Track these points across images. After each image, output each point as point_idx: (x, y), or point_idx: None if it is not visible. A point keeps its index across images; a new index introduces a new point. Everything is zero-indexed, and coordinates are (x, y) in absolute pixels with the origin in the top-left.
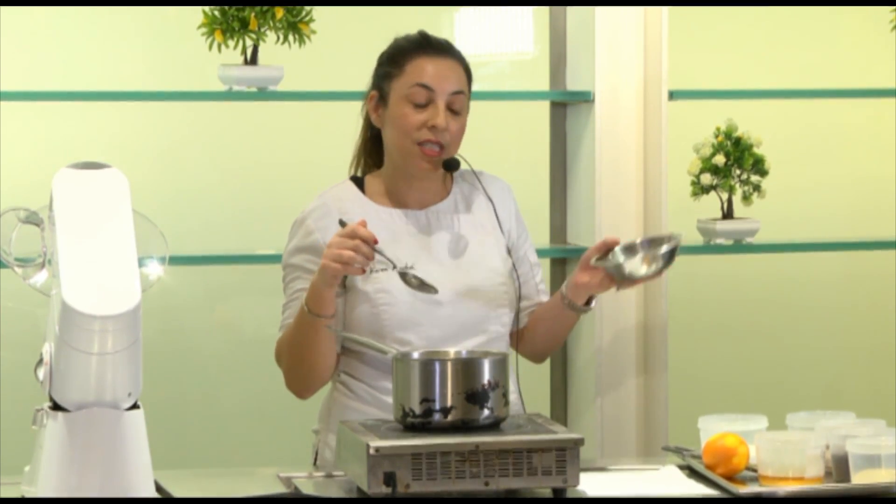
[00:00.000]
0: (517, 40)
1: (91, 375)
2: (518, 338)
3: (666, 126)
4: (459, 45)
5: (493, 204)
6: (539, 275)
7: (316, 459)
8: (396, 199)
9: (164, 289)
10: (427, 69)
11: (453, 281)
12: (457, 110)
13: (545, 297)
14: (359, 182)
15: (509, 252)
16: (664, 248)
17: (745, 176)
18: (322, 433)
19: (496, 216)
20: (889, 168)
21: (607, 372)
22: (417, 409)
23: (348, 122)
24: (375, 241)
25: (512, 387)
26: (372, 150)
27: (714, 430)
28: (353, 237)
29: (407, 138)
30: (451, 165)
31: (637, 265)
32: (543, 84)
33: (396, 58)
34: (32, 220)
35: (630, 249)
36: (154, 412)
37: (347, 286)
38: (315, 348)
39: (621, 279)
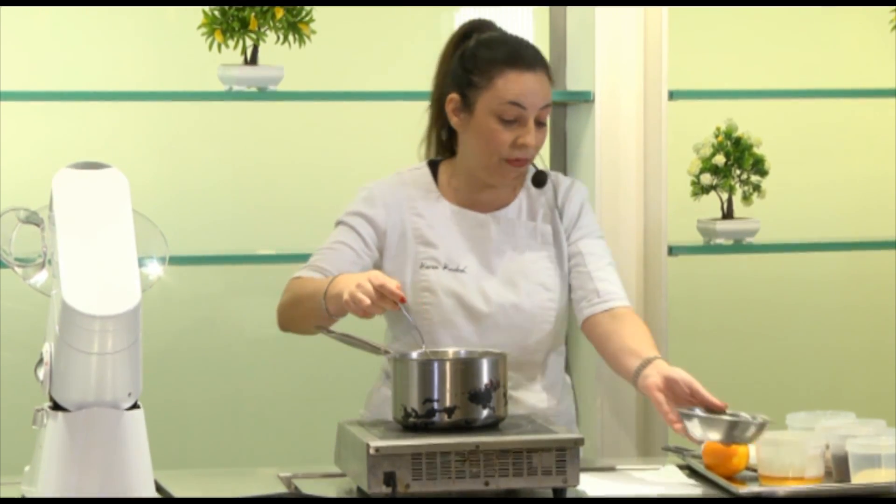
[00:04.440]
0: None
1: (91, 375)
2: (586, 330)
3: (666, 126)
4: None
5: (559, 211)
6: (595, 263)
7: None
8: (464, 196)
9: (164, 289)
10: (518, 86)
11: (501, 294)
12: (542, 122)
13: (603, 285)
14: (434, 168)
15: (567, 258)
16: (748, 433)
17: (745, 176)
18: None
19: (560, 223)
20: (889, 168)
21: (607, 372)
22: (419, 409)
23: (348, 122)
24: (403, 301)
25: (566, 380)
26: (446, 138)
27: None
28: (382, 295)
29: (494, 155)
30: (540, 182)
31: (711, 433)
32: None
33: (485, 69)
34: (32, 220)
35: (714, 422)
36: (154, 412)
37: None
38: (311, 321)
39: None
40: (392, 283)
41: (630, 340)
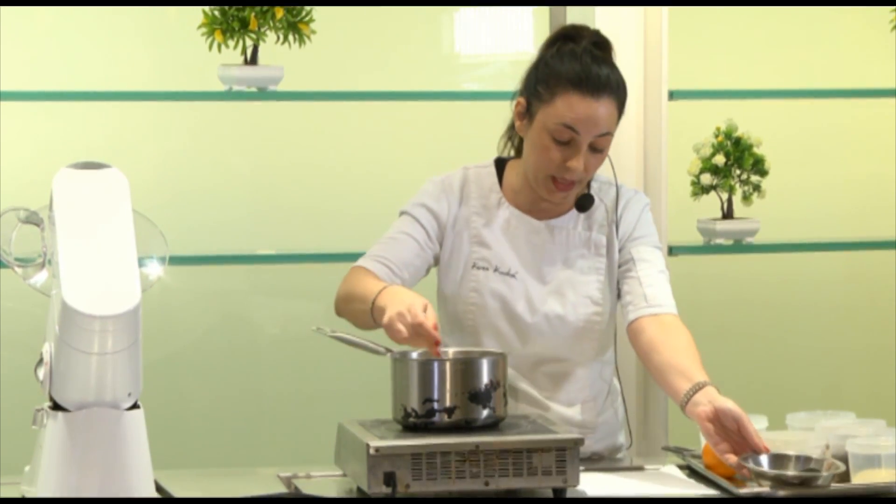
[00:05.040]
0: (517, 40)
1: (91, 375)
2: (632, 333)
3: (666, 126)
4: (459, 45)
5: (616, 222)
6: (645, 270)
7: None
8: (524, 200)
9: (164, 289)
10: (577, 110)
11: (546, 303)
12: (600, 149)
13: (651, 290)
14: (501, 166)
15: (615, 271)
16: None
17: (745, 176)
18: None
19: (615, 235)
20: (889, 168)
21: None
22: (419, 409)
23: (348, 122)
24: (438, 343)
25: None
26: (520, 138)
27: None
28: (419, 333)
29: (541, 171)
30: (584, 206)
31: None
32: None
33: (550, 82)
34: (32, 220)
35: (779, 459)
36: (154, 412)
37: (442, 273)
38: (359, 322)
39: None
40: (430, 322)
41: (679, 357)
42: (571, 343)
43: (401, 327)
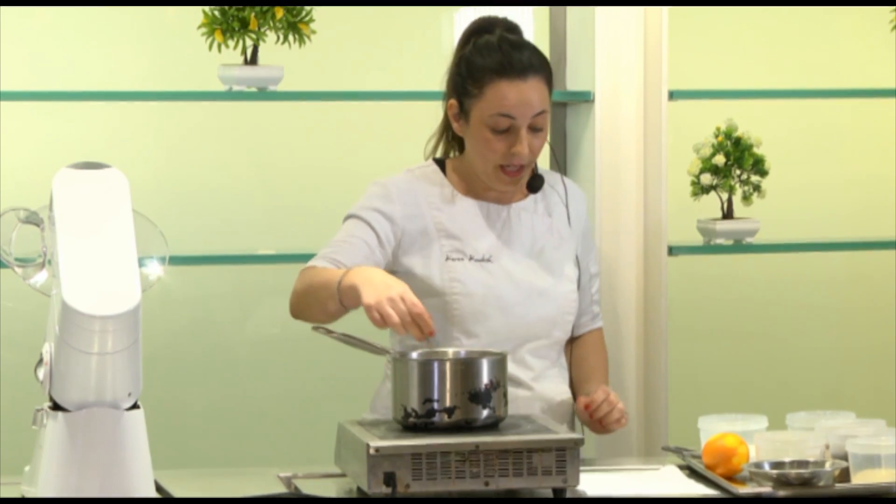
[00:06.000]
0: None
1: (91, 375)
2: (570, 353)
3: (666, 126)
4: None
5: (568, 212)
6: (596, 284)
7: None
8: (477, 191)
9: (164, 289)
10: (509, 97)
11: (528, 281)
12: (539, 128)
13: (597, 308)
14: (441, 166)
15: (578, 261)
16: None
17: (745, 176)
18: None
19: (570, 224)
20: (889, 168)
21: (608, 372)
22: (419, 409)
23: (348, 122)
24: (432, 334)
25: (566, 388)
26: (455, 136)
27: (714, 430)
28: (415, 323)
29: (488, 163)
30: (536, 188)
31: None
32: None
33: (476, 77)
34: (32, 220)
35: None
36: (154, 412)
37: (418, 274)
38: (323, 310)
39: None
40: (427, 314)
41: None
42: (554, 320)
43: (391, 311)
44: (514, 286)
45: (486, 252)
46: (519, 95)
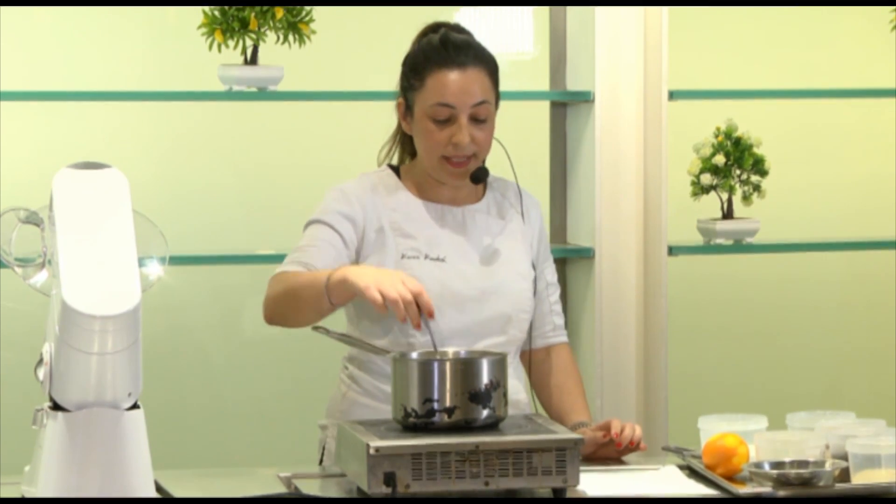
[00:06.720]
0: (517, 40)
1: (91, 375)
2: (529, 364)
3: (666, 126)
4: None
5: (522, 218)
6: (555, 294)
7: (322, 456)
8: (431, 195)
9: (164, 289)
10: (447, 85)
11: (482, 279)
12: (482, 119)
13: (558, 319)
14: (395, 172)
15: (533, 266)
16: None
17: (745, 176)
18: (329, 429)
19: (525, 223)
20: (889, 168)
21: (607, 372)
22: (419, 409)
23: (348, 122)
24: (432, 316)
25: (520, 386)
26: (407, 141)
27: (714, 430)
28: (413, 300)
29: (432, 155)
30: (478, 178)
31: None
32: (543, 84)
33: (418, 69)
34: (32, 220)
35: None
36: (154, 412)
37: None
38: (308, 312)
39: None
40: (427, 296)
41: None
42: (509, 317)
43: (390, 289)
44: (467, 283)
45: (441, 252)
46: (457, 83)
